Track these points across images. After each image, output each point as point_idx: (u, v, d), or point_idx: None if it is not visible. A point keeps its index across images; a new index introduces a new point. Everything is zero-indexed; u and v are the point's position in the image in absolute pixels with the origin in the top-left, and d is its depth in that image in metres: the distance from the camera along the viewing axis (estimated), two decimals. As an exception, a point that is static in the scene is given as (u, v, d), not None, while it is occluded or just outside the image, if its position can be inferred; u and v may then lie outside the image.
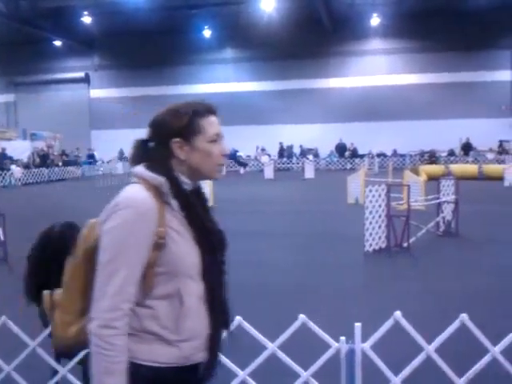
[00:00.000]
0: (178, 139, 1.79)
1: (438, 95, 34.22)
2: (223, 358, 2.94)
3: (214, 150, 1.84)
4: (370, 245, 8.59)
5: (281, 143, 35.54)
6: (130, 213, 1.67)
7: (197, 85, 37.23)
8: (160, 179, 1.74)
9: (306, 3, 30.69)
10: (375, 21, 34.13)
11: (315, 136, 35.19)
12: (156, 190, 1.73)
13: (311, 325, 2.95)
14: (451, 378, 2.89)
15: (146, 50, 36.61)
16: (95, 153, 36.22)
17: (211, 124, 1.85)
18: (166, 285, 1.73)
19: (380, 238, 8.76)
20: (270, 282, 7.00)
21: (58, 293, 1.93)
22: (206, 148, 1.82)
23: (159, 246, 1.70)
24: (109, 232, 1.68)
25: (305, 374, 3.01)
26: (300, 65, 35.50)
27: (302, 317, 2.97)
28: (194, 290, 1.77)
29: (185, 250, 1.74)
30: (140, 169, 1.79)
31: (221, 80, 37.15)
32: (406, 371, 2.90)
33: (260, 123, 35.76)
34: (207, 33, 36.50)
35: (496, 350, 2.82)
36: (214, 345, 1.84)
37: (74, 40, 37.21)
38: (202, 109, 1.85)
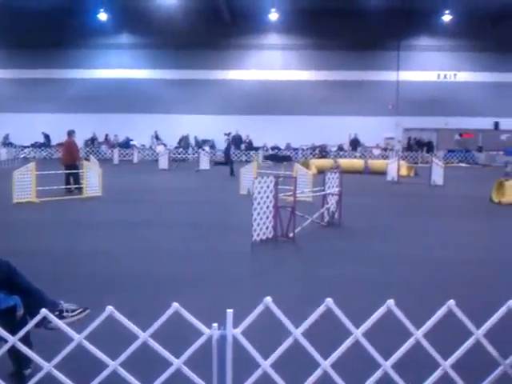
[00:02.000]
0: None
1: (329, 92, 35.51)
2: (92, 348, 2.90)
3: None
4: (258, 235, 8.76)
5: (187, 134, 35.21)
6: None
7: (90, 70, 35.96)
8: None
9: (206, -6, 30.59)
10: (273, 16, 34.71)
11: (212, 127, 35.22)
12: None
13: (184, 312, 2.95)
14: (317, 359, 3.01)
15: (36, 30, 34.61)
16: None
17: None
18: None
19: (267, 228, 8.95)
20: (154, 271, 6.93)
21: None
22: None
23: None
24: None
25: (176, 362, 3.01)
26: (199, 55, 35.31)
27: (175, 305, 2.96)
28: None
29: None
30: None
31: (116, 66, 36.10)
32: (275, 355, 2.98)
33: (157, 112, 35.18)
34: (103, 16, 35.21)
35: (359, 333, 2.98)
36: None
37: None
38: None
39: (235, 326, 2.91)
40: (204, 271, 7.01)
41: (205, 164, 25.93)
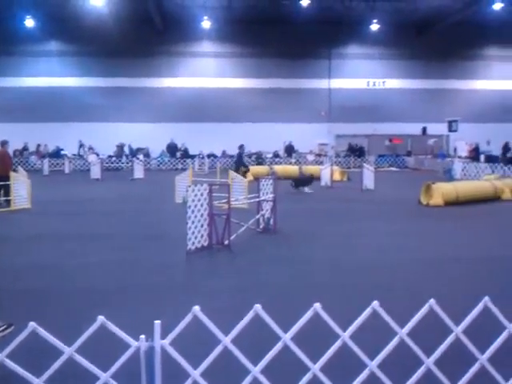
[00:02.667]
0: None
1: (264, 100, 35.90)
2: (14, 365, 2.79)
3: None
4: (193, 243, 8.70)
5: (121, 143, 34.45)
6: None
7: (18, 78, 34.73)
8: None
9: (137, 1, 30.18)
10: (206, 24, 34.74)
11: (146, 135, 34.80)
12: None
13: (110, 325, 2.89)
14: (247, 366, 3.03)
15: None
16: None
17: None
18: None
19: (202, 236, 8.92)
20: (83, 284, 6.77)
21: None
22: None
23: None
24: None
25: (104, 376, 2.95)
26: (132, 63, 34.87)
27: (100, 318, 2.90)
28: None
29: None
30: None
31: (44, 74, 35.01)
32: (205, 364, 2.97)
33: (89, 120, 34.37)
34: (29, 22, 34.09)
35: (287, 337, 3.02)
36: None
37: None
38: None
39: (166, 337, 2.88)
40: (135, 282, 6.89)
41: (139, 173, 25.55)
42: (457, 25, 33.45)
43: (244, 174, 20.90)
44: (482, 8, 30.57)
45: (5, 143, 15.90)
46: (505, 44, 37.26)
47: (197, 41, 36.28)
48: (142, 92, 35.42)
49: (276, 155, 34.31)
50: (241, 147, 24.23)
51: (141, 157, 32.25)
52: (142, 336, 2.88)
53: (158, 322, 2.86)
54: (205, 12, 33.43)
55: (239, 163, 23.72)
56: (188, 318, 2.92)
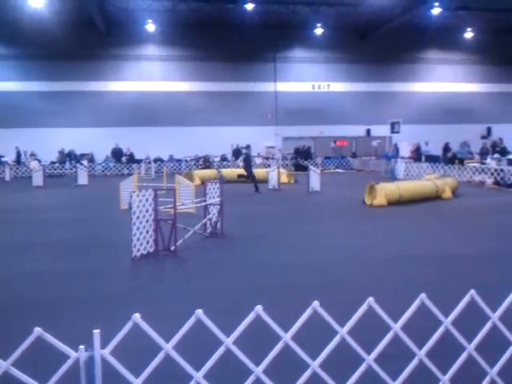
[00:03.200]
0: None
1: (211, 103, 35.82)
2: None
3: None
4: (138, 250, 8.60)
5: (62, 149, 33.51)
6: None
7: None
8: None
9: (79, 4, 29.53)
10: (151, 27, 34.36)
11: (91, 140, 34.07)
12: None
13: (48, 337, 2.83)
14: (189, 372, 3.02)
15: None
16: None
17: None
18: None
19: (148, 242, 8.82)
20: (22, 295, 6.56)
21: None
22: None
23: None
24: None
25: (42, 389, 2.87)
26: (73, 66, 34.03)
27: (37, 329, 2.83)
28: None
29: None
30: None
31: (-18, 78, 33.80)
32: (147, 372, 2.95)
33: (31, 126, 33.36)
34: (-36, 25, 32.81)
35: (229, 341, 3.03)
36: None
37: None
38: None
39: (106, 346, 2.84)
40: (77, 291, 6.73)
41: (83, 179, 24.98)
42: (398, 29, 34.37)
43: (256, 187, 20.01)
44: (422, 13, 31.53)
45: None
46: (444, 47, 38.57)
47: (141, 44, 35.81)
48: (86, 96, 34.67)
49: (224, 158, 34.30)
50: (247, 147, 22.88)
51: (85, 162, 31.54)
52: (82, 346, 2.83)
53: (97, 331, 2.82)
54: (149, 15, 33.05)
55: (248, 166, 21.25)
56: (128, 326, 2.89)
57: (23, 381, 2.87)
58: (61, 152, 33.32)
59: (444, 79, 39.42)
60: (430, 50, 38.89)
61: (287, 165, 32.74)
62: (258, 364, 3.08)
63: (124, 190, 15.02)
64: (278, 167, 23.11)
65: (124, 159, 33.50)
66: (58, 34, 32.75)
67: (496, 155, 25.63)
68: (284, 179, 23.64)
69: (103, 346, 2.82)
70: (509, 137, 32.15)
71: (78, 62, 33.98)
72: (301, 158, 35.07)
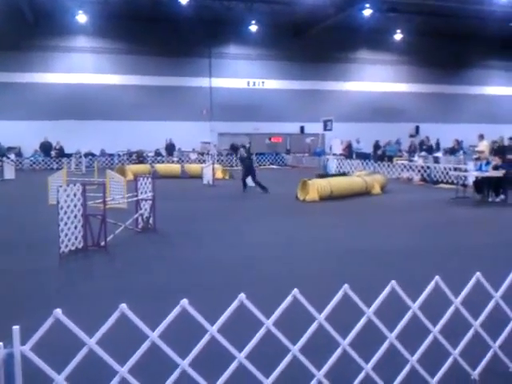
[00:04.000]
0: None
1: (144, 97, 35.29)
2: None
3: None
4: (66, 246, 8.36)
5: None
6: None
7: None
8: None
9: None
10: (81, 18, 33.38)
11: (18, 133, 32.75)
12: None
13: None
14: (115, 367, 2.99)
15: None
16: None
17: None
18: None
19: (77, 238, 8.60)
20: None
21: None
22: None
23: None
24: None
25: (-43, 389, 2.76)
26: (-1, 57, 32.60)
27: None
28: None
29: None
30: None
31: None
32: (69, 368, 2.89)
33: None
34: None
35: (155, 336, 3.02)
36: None
37: None
38: None
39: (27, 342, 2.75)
40: (3, 291, 6.48)
41: (10, 173, 24.00)
42: (331, 28, 35.04)
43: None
44: (354, 13, 32.29)
45: None
46: (374, 48, 39.69)
47: (72, 35, 34.71)
48: (12, 87, 33.25)
49: (158, 154, 33.86)
50: (244, 146, 21.62)
51: (12, 156, 30.32)
52: (0, 343, 2.73)
53: (16, 328, 2.73)
54: (80, 6, 32.12)
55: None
56: (49, 322, 2.82)
57: None
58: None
59: (374, 79, 40.59)
60: (361, 50, 39.94)
61: (222, 161, 32.71)
62: (184, 357, 3.09)
63: (52, 185, 14.55)
64: (213, 163, 23.07)
65: (53, 153, 32.42)
66: (-17, 23, 31.28)
67: (423, 153, 26.66)
68: (219, 175, 23.63)
69: (24, 342, 2.74)
70: (435, 135, 33.54)
71: (4, 52, 32.55)
72: (236, 154, 35.09)
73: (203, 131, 36.50)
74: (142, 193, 10.61)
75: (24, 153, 33.00)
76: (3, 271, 7.38)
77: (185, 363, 3.10)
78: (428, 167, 22.56)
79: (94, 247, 8.63)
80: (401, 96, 40.75)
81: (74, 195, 8.40)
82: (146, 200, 10.53)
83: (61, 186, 8.57)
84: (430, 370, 3.73)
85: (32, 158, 32.14)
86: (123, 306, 2.93)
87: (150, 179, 10.86)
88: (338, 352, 3.43)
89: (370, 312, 3.48)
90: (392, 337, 3.60)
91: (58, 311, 2.83)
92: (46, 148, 32.63)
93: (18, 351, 2.75)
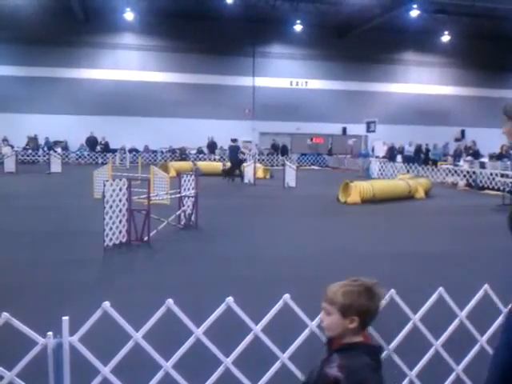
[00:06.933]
0: None
1: (188, 95, 35.63)
2: None
3: None
4: (111, 239, 8.52)
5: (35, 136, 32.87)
6: None
7: None
8: None
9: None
10: (129, 16, 33.96)
11: (65, 128, 33.59)
12: None
13: (15, 322, 2.79)
14: (159, 362, 3.02)
15: None
16: None
17: None
18: None
19: (121, 232, 8.75)
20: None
21: None
22: None
23: None
24: None
25: (8, 374, 2.84)
26: (48, 52, 33.46)
27: (4, 315, 2.79)
28: None
29: None
30: None
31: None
32: (115, 360, 2.93)
33: (2, 111, 32.71)
34: None
35: (199, 332, 3.04)
36: None
37: None
38: None
39: (75, 333, 2.81)
40: (47, 280, 6.65)
41: (57, 167, 24.63)
42: (376, 29, 34.64)
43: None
44: (400, 14, 31.83)
45: None
46: (421, 50, 39.01)
47: (119, 32, 35.37)
48: (60, 83, 34.11)
49: (200, 151, 34.15)
50: (235, 141, 23.60)
51: (58, 150, 31.13)
52: (50, 332, 2.80)
53: (66, 318, 2.79)
54: (128, 3, 32.69)
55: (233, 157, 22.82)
56: (97, 314, 2.87)
57: (-11, 366, 2.83)
58: (33, 138, 32.77)
59: (420, 81, 39.89)
60: (407, 51, 39.30)
61: (263, 160, 32.76)
62: (227, 355, 3.10)
63: (97, 179, 14.88)
64: (255, 162, 23.12)
65: (99, 148, 33.12)
66: (34, 19, 32.15)
67: (469, 158, 26.06)
68: (260, 174, 23.67)
69: (72, 333, 2.80)
70: (481, 140, 32.74)
71: (54, 48, 33.43)
72: (277, 154, 35.17)
73: (245, 130, 36.61)
74: (185, 190, 10.72)
75: (70, 147, 33.79)
76: (49, 261, 7.57)
77: (228, 361, 3.10)
78: (474, 172, 22.03)
79: (138, 242, 8.76)
80: (446, 99, 39.93)
81: (120, 190, 8.55)
82: (188, 197, 10.63)
83: (107, 181, 8.74)
84: (476, 380, 3.63)
85: (78, 152, 32.91)
86: (170, 302, 2.95)
87: (193, 176, 10.96)
88: (385, 354, 3.37)
89: (415, 318, 3.41)
90: (438, 344, 3.52)
91: (107, 304, 2.88)
92: (91, 143, 33.36)
93: (66, 342, 2.80)
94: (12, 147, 30.17)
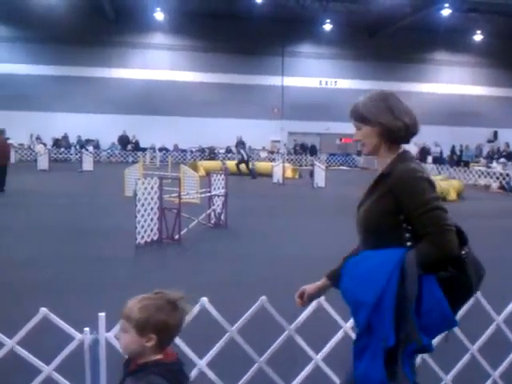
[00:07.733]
0: None
1: (216, 95, 35.74)
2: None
3: None
4: (142, 237, 8.62)
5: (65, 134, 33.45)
6: None
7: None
8: None
9: (89, -11, 29.51)
10: (159, 15, 34.24)
11: (96, 127, 34.06)
12: None
13: (53, 318, 2.84)
14: (194, 360, 3.03)
15: None
16: None
17: None
18: None
19: (152, 230, 8.84)
20: (24, 277, 6.60)
21: None
22: None
23: None
24: None
25: (46, 369, 2.89)
26: (80, 51, 33.93)
27: (43, 310, 2.84)
28: None
29: None
30: None
31: (-9, 60, 33.74)
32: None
33: (35, 109, 33.32)
34: (-26, 6, 32.71)
35: (233, 330, 3.04)
36: None
37: None
38: None
39: (111, 329, 2.84)
40: (81, 276, 6.76)
41: (88, 165, 25.01)
42: (407, 28, 34.23)
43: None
44: (432, 13, 31.38)
45: (2, 132, 15.48)
46: (452, 49, 38.40)
47: (149, 32, 35.68)
48: (92, 82, 34.60)
49: (229, 150, 34.26)
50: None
51: (90, 148, 31.60)
52: (87, 328, 2.84)
53: (102, 315, 2.83)
54: (158, 3, 32.96)
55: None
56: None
57: (28, 360, 2.89)
58: (64, 137, 33.35)
59: (451, 81, 39.27)
60: (438, 51, 38.72)
61: (292, 160, 32.69)
62: (261, 354, 3.09)
63: (128, 178, 15.05)
64: (283, 161, 23.09)
65: (130, 147, 33.53)
66: (66, 19, 32.70)
67: (502, 159, 25.55)
68: (288, 174, 23.62)
69: (108, 329, 2.83)
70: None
71: (85, 48, 33.90)
72: (306, 153, 35.07)
73: (273, 130, 36.59)
74: (215, 189, 10.76)
75: (102, 145, 34.26)
76: (82, 257, 7.69)
77: (261, 360, 3.10)
78: (507, 175, 21.58)
79: (169, 240, 8.84)
80: (479, 99, 39.21)
81: (152, 188, 8.63)
82: (218, 196, 10.67)
83: (138, 179, 8.84)
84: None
85: (109, 151, 33.35)
86: (204, 300, 2.96)
87: (222, 176, 11.00)
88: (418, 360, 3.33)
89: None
90: (474, 349, 3.46)
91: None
92: (123, 141, 33.80)
93: (103, 338, 2.84)
94: (45, 145, 30.73)
